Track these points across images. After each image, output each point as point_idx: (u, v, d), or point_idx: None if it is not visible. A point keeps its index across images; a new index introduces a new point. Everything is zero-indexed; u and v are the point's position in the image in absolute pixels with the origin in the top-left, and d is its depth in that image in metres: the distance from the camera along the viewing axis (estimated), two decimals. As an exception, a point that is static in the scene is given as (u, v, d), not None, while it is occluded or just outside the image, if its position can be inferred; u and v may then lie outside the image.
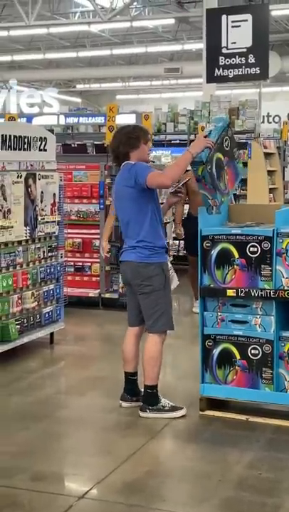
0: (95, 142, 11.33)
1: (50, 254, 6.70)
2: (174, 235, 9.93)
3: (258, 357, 4.75)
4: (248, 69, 12.07)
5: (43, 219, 6.56)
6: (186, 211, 8.85)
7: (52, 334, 6.83)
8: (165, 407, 4.85)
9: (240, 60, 12.03)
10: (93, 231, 8.56)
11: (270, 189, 12.42)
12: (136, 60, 28.18)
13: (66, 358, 6.58)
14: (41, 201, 6.53)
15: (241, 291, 4.76)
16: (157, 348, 4.89)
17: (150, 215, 4.82)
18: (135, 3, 20.28)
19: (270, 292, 4.69)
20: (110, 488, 3.88)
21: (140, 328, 5.07)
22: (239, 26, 12.02)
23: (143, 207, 4.81)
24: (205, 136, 4.80)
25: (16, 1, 18.97)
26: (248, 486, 3.88)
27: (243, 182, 12.63)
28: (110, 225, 7.00)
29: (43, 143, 6.63)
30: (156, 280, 4.82)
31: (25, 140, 6.37)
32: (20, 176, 6.24)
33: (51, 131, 9.05)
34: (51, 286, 6.72)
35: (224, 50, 12.26)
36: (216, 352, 4.87)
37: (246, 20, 11.97)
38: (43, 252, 6.61)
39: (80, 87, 32.13)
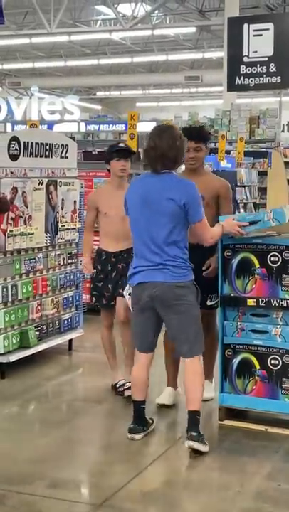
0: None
1: (70, 260, 6.71)
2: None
3: (278, 367, 4.72)
4: (269, 78, 12.01)
5: (64, 226, 6.58)
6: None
7: (70, 341, 6.83)
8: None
9: (262, 69, 11.98)
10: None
11: (291, 198, 12.38)
12: (156, 67, 28.26)
13: (84, 365, 6.58)
14: (62, 208, 6.55)
15: (262, 301, 4.74)
16: (202, 370, 4.58)
17: (185, 233, 4.44)
18: (156, 12, 20.34)
19: (290, 302, 4.66)
20: (128, 497, 3.87)
21: (153, 353, 4.67)
22: (261, 35, 11.97)
23: (182, 224, 4.38)
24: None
25: (38, 8, 19.11)
26: (267, 498, 3.85)
27: (263, 191, 12.63)
28: (92, 240, 5.77)
29: (65, 150, 6.65)
30: (192, 297, 4.46)
31: (47, 147, 6.39)
32: (42, 183, 6.27)
33: (72, 138, 9.08)
34: (70, 293, 6.73)
35: (245, 59, 12.21)
36: (235, 361, 4.84)
37: (268, 29, 11.92)
38: (63, 258, 6.62)
39: (100, 94, 32.28)
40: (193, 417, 4.39)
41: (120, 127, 14.25)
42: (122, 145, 5.63)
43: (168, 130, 4.44)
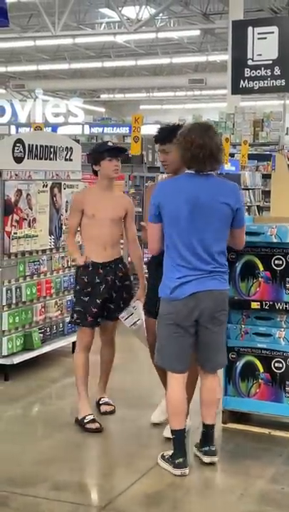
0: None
1: (73, 263, 6.72)
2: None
3: (282, 370, 4.72)
4: (274, 81, 11.98)
5: (68, 228, 6.58)
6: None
7: (74, 343, 6.83)
8: None
9: (266, 72, 11.95)
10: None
11: (294, 201, 12.37)
12: (160, 70, 28.28)
13: (88, 368, 6.56)
14: (66, 211, 6.56)
15: (266, 304, 4.74)
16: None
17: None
18: (161, 15, 20.37)
19: (294, 305, 4.67)
20: (132, 500, 3.87)
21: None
22: (265, 38, 11.95)
23: (229, 229, 4.20)
24: None
25: (42, 11, 19.15)
26: (271, 501, 3.85)
27: (267, 194, 12.64)
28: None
29: (69, 153, 6.67)
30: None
31: (52, 150, 6.41)
32: (46, 185, 6.28)
33: (77, 141, 9.10)
34: (74, 296, 6.73)
35: (249, 62, 12.18)
36: (239, 364, 4.85)
37: (272, 33, 11.89)
38: (67, 261, 6.63)
39: (104, 96, 32.32)
40: (211, 431, 4.33)
41: (124, 130, 14.27)
42: (111, 143, 5.21)
43: (212, 128, 4.18)
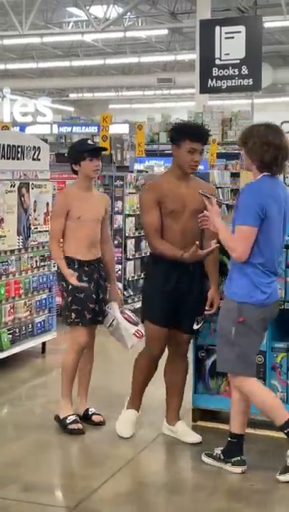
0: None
1: (42, 263, 6.69)
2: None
3: (251, 368, 4.74)
4: (241, 80, 12.12)
5: (36, 228, 6.56)
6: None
7: (44, 344, 6.81)
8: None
9: (234, 72, 12.09)
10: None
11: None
12: (129, 69, 28.27)
13: (58, 368, 6.48)
14: (34, 210, 6.53)
15: (234, 302, 4.76)
16: None
17: None
18: (129, 14, 20.36)
19: (262, 303, 4.69)
20: (102, 500, 3.87)
21: None
22: (232, 38, 12.08)
23: None
24: None
25: (9, 10, 19.02)
26: (240, 498, 3.88)
27: (236, 192, 12.71)
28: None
29: (37, 152, 6.63)
30: None
31: (19, 149, 6.37)
32: (14, 185, 6.24)
33: (45, 140, 9.06)
34: (44, 296, 6.71)
35: (217, 61, 12.31)
36: (208, 362, 4.86)
37: (239, 32, 12.03)
38: (36, 261, 6.60)
39: (72, 96, 32.22)
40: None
41: (93, 129, 14.23)
42: (90, 142, 5.06)
43: (280, 128, 4.11)
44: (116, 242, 8.34)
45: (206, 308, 4.54)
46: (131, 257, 8.49)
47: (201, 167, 12.06)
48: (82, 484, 4.06)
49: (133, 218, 8.54)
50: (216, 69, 12.24)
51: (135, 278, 8.62)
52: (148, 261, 4.75)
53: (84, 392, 5.00)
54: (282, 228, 4.06)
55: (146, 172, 10.20)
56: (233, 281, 4.05)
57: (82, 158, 4.79)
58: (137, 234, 8.61)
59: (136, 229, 8.60)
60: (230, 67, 12.10)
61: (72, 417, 4.74)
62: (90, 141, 5.05)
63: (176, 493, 3.97)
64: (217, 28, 12.14)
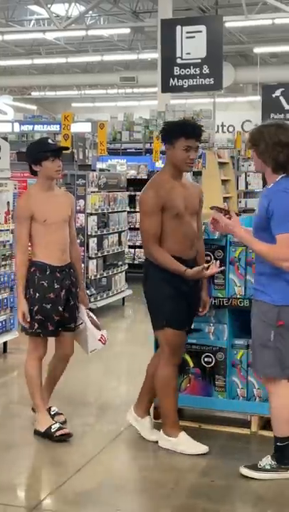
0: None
1: (3, 262, 6.64)
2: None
3: (211, 365, 4.78)
4: (203, 79, 12.15)
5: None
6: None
7: (5, 343, 6.76)
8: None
9: (195, 71, 12.11)
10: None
11: (224, 198, 12.56)
12: (91, 68, 28.19)
13: (20, 368, 6.45)
14: (-5, 209, 6.47)
15: (195, 300, 4.78)
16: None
17: None
18: (90, 12, 20.29)
19: (223, 301, 4.73)
20: (63, 499, 3.86)
21: None
22: (193, 37, 12.10)
23: None
24: None
25: None
26: (201, 494, 3.90)
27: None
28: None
29: (-3, 151, 6.57)
30: None
31: (-21, 148, 6.31)
32: (-26, 184, 6.18)
33: (5, 138, 9.00)
34: (5, 295, 6.66)
35: (179, 61, 12.31)
36: (169, 360, 4.87)
37: (200, 32, 12.05)
38: (-4, 260, 6.54)
39: (35, 94, 32.02)
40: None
41: (55, 128, 14.20)
42: (51, 141, 4.83)
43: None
44: (78, 240, 8.27)
45: (200, 310, 4.52)
46: (93, 256, 8.48)
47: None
48: (42, 483, 4.05)
49: (95, 217, 8.52)
50: (178, 68, 12.25)
51: (98, 277, 8.61)
52: (149, 266, 4.38)
53: (48, 391, 4.82)
54: None
55: (108, 171, 10.19)
56: (267, 286, 3.94)
57: (43, 159, 4.55)
58: (99, 232, 8.60)
59: (98, 228, 8.59)
60: (191, 67, 12.12)
61: (56, 425, 4.57)
62: (50, 140, 4.85)
63: (137, 491, 3.98)
64: (178, 28, 12.14)
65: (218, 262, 4.58)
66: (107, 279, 8.84)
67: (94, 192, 8.53)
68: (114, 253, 9.07)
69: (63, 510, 3.76)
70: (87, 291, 8.34)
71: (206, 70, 12.18)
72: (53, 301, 4.52)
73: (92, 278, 8.49)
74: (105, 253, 8.79)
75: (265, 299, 3.94)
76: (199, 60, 12.17)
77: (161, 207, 4.27)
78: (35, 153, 4.61)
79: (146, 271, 4.42)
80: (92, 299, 8.38)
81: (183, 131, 4.33)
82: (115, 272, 8.98)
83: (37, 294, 4.51)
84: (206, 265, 4.27)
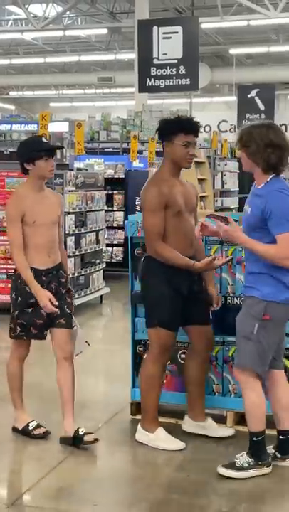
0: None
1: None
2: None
3: (187, 361, 4.79)
4: (179, 80, 12.20)
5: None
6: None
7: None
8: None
9: (171, 71, 12.16)
10: (26, 238, 8.47)
11: (201, 197, 12.59)
12: (69, 68, 28.12)
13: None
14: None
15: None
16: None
17: None
18: (68, 13, 20.26)
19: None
20: (42, 494, 3.86)
21: None
22: (170, 38, 12.15)
23: None
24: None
25: None
26: (177, 488, 3.92)
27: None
28: None
29: (-25, 150, 6.54)
30: None
31: None
32: None
33: (-17, 138, 8.95)
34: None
35: (155, 61, 12.36)
36: (145, 357, 4.88)
37: (177, 32, 12.10)
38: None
39: (13, 94, 31.89)
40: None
41: (33, 127, 14.15)
42: (45, 140, 4.67)
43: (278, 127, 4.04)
44: (56, 239, 8.30)
45: (214, 306, 4.49)
46: (71, 254, 8.46)
47: (140, 165, 12.11)
48: (20, 480, 4.05)
49: (73, 216, 8.51)
50: (154, 68, 12.30)
51: (75, 275, 8.60)
52: (149, 264, 4.36)
53: (68, 411, 4.50)
54: None
55: (86, 170, 10.18)
56: (257, 281, 3.93)
57: (37, 158, 4.37)
58: (77, 231, 8.59)
59: (76, 226, 8.57)
60: (168, 67, 12.17)
61: (33, 423, 4.54)
62: (44, 139, 4.70)
63: (114, 486, 3.99)
64: (155, 28, 12.19)
65: (224, 253, 4.57)
66: (84, 278, 8.83)
67: (72, 191, 8.52)
68: (92, 251, 9.07)
69: (42, 505, 3.76)
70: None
71: (182, 70, 12.24)
72: (35, 306, 4.37)
73: (70, 276, 8.47)
74: (83, 251, 8.78)
75: (255, 293, 3.94)
76: (176, 61, 12.22)
77: (164, 204, 4.24)
78: (28, 152, 4.43)
79: (145, 268, 4.39)
80: (70, 297, 8.39)
81: (182, 127, 4.30)
82: (93, 270, 8.98)
83: (19, 299, 4.42)
84: (213, 256, 4.27)
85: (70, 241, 8.45)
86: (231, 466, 4.01)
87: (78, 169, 9.82)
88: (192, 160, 4.37)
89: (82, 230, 8.76)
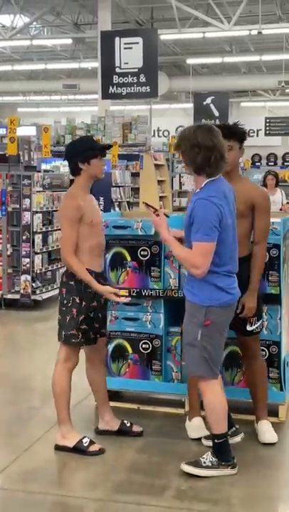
0: (-3, 152, 11.12)
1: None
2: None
3: (149, 351, 4.81)
4: (140, 87, 12.19)
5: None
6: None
7: None
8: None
9: (132, 79, 12.14)
10: (-5, 236, 8.39)
11: (160, 197, 12.64)
12: (36, 75, 27.89)
13: None
14: None
15: (133, 291, 4.81)
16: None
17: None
18: (35, 23, 20.09)
19: (159, 292, 4.76)
20: (11, 478, 3.83)
21: None
22: (131, 48, 12.11)
23: None
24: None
25: None
26: (139, 469, 3.93)
27: (136, 190, 12.80)
28: None
29: None
30: None
31: None
32: None
33: None
34: None
35: (117, 70, 12.32)
36: (110, 347, 4.88)
37: (137, 43, 12.07)
38: None
39: (-18, 99, 31.51)
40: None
41: (1, 131, 13.97)
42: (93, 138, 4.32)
43: (214, 128, 3.73)
44: (24, 237, 8.25)
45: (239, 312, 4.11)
46: (38, 251, 8.43)
47: (104, 167, 12.06)
48: (-8, 464, 4.01)
49: (40, 215, 8.46)
50: (117, 76, 12.25)
51: (43, 270, 8.57)
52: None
53: (110, 409, 4.42)
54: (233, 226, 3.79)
55: (53, 172, 10.11)
56: (195, 288, 3.75)
57: (93, 156, 4.10)
58: (44, 229, 8.54)
59: (43, 225, 8.53)
60: (129, 75, 12.14)
61: (86, 440, 4.12)
62: (94, 139, 4.36)
63: (80, 468, 3.98)
64: (117, 39, 12.14)
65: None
66: (51, 273, 8.79)
67: (39, 191, 8.47)
68: (58, 248, 8.99)
69: (11, 487, 3.73)
70: (33, 284, 8.30)
71: (142, 78, 12.22)
72: (96, 310, 4.16)
73: (38, 272, 8.44)
74: (50, 248, 8.75)
75: (194, 299, 3.77)
76: (136, 70, 12.20)
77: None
78: (83, 151, 4.12)
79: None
80: (37, 291, 8.35)
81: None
82: (59, 266, 8.94)
83: (83, 303, 4.08)
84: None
85: (38, 238, 8.41)
86: (195, 463, 3.85)
87: (45, 171, 9.77)
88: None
89: (49, 228, 8.72)
